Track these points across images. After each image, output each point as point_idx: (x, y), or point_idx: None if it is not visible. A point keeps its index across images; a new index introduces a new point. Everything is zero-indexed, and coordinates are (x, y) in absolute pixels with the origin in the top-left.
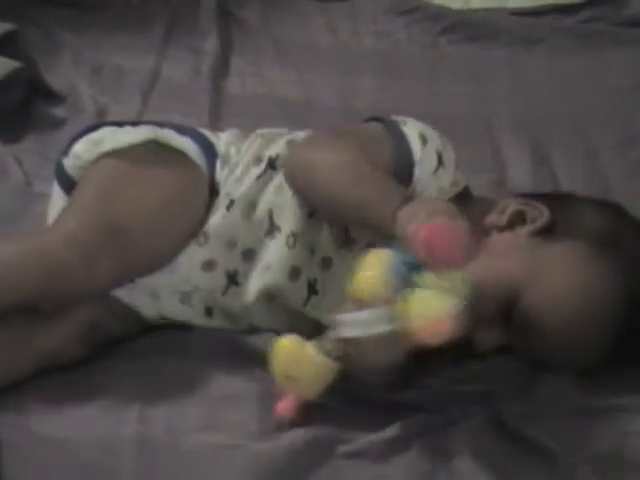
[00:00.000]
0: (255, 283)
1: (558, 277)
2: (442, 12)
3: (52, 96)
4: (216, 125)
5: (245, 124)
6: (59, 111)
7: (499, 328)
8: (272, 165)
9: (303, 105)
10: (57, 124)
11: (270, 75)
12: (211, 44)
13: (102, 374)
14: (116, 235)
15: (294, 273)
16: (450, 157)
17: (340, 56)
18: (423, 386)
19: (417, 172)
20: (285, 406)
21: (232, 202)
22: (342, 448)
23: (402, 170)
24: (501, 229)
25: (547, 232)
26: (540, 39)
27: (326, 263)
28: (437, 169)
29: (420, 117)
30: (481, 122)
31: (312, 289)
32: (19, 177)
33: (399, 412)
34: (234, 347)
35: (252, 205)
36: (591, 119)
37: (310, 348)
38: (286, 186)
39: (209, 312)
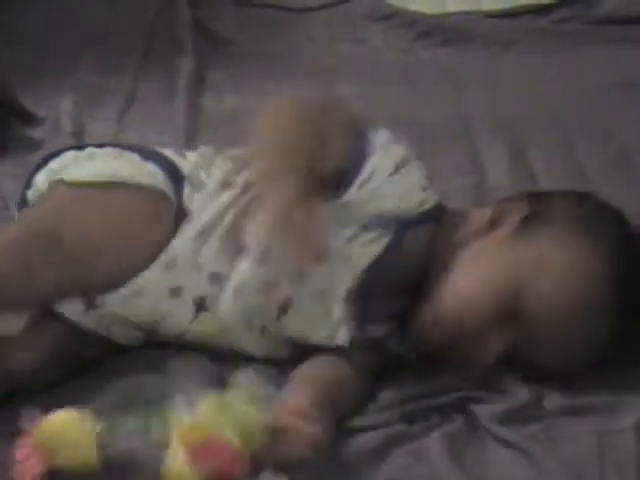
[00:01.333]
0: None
1: (553, 265)
2: (418, 17)
3: (29, 118)
4: (193, 141)
5: (223, 139)
6: (36, 132)
7: (501, 337)
8: (244, 191)
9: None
10: (34, 146)
11: (247, 88)
12: (187, 60)
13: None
14: (59, 247)
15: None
16: (416, 175)
17: (318, 64)
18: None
19: (368, 167)
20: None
21: (202, 231)
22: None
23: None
24: (478, 235)
25: (529, 226)
26: (515, 40)
27: (299, 277)
28: (392, 174)
29: (399, 122)
30: (459, 125)
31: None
32: None
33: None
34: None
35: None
36: (568, 118)
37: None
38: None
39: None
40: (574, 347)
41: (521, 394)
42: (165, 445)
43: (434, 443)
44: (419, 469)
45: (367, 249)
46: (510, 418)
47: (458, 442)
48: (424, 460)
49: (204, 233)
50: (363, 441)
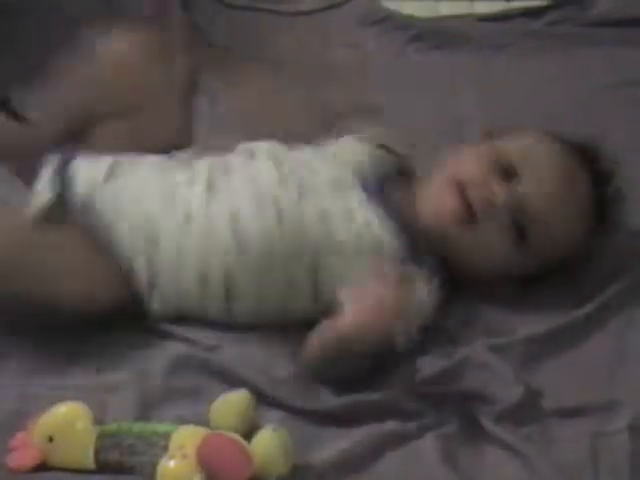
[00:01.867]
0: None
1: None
2: (410, 21)
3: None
4: (186, 144)
5: (215, 143)
6: None
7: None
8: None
9: None
10: None
11: (239, 92)
12: (179, 63)
13: None
14: None
15: None
16: None
17: (310, 70)
18: (396, 387)
19: None
20: (21, 456)
21: None
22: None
23: None
24: None
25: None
26: (508, 43)
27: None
28: None
29: (392, 126)
30: (452, 128)
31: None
32: None
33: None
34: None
35: None
36: (562, 120)
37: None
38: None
39: None
40: (562, 215)
41: (517, 393)
42: (167, 447)
43: (429, 444)
44: (412, 471)
45: None
46: (506, 418)
47: (453, 443)
48: (418, 462)
49: None
50: (358, 438)
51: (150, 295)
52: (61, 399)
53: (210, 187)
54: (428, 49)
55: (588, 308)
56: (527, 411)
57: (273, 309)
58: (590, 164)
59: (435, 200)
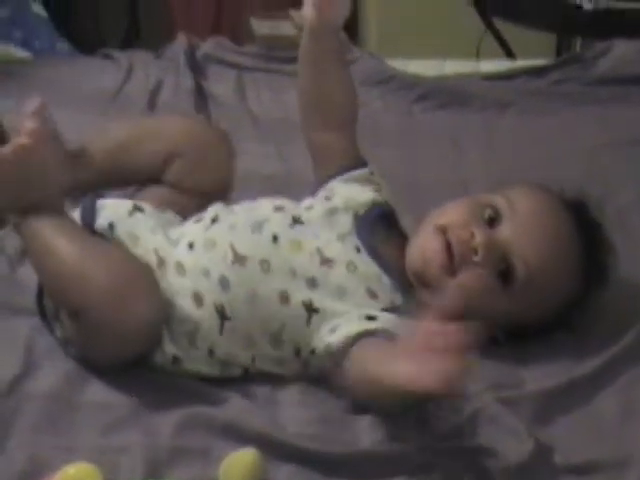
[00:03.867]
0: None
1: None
2: (416, 80)
3: None
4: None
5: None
6: None
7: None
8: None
9: (283, 179)
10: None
11: (249, 150)
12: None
13: None
14: None
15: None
16: None
17: None
18: (407, 441)
19: None
20: None
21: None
22: None
23: None
24: None
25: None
26: (512, 102)
27: (311, 283)
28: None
29: (398, 184)
30: (458, 187)
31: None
32: None
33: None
34: None
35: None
36: (567, 177)
37: None
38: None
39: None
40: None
41: (528, 448)
42: None
43: None
44: None
45: None
46: (517, 473)
47: None
48: None
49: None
50: None
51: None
52: (71, 460)
53: (213, 220)
54: (434, 108)
55: (595, 363)
56: (538, 467)
57: (266, 331)
58: (578, 212)
59: (418, 243)
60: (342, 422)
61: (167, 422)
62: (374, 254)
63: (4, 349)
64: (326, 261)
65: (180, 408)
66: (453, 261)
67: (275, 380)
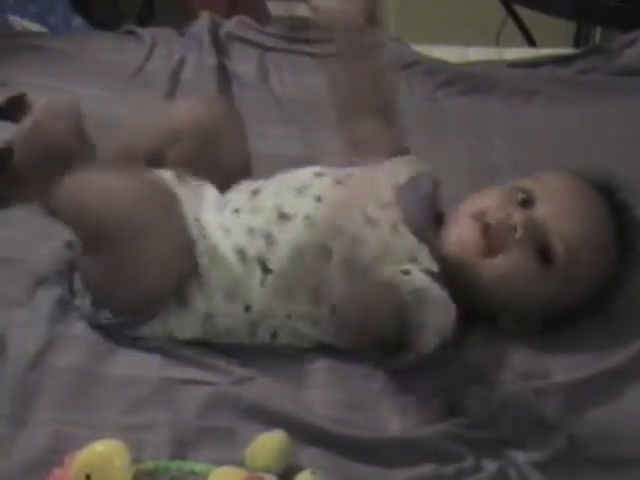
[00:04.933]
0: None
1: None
2: (440, 66)
3: None
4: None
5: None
6: None
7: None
8: None
9: (307, 161)
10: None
11: (272, 133)
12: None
13: None
14: None
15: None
16: None
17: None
18: (436, 428)
19: None
20: None
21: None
22: None
23: None
24: None
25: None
26: (537, 90)
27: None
28: None
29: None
30: (483, 174)
31: None
32: None
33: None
34: None
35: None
36: (592, 167)
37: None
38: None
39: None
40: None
41: (558, 439)
42: None
43: None
44: None
45: None
46: (546, 465)
47: None
48: None
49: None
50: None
51: (191, 283)
52: (96, 437)
53: (254, 193)
54: (458, 94)
55: (626, 354)
56: (567, 459)
57: (307, 286)
58: (609, 195)
59: (456, 232)
60: (371, 406)
61: (193, 400)
62: (412, 225)
63: (28, 321)
64: (370, 221)
65: (207, 386)
66: (490, 243)
67: (302, 360)
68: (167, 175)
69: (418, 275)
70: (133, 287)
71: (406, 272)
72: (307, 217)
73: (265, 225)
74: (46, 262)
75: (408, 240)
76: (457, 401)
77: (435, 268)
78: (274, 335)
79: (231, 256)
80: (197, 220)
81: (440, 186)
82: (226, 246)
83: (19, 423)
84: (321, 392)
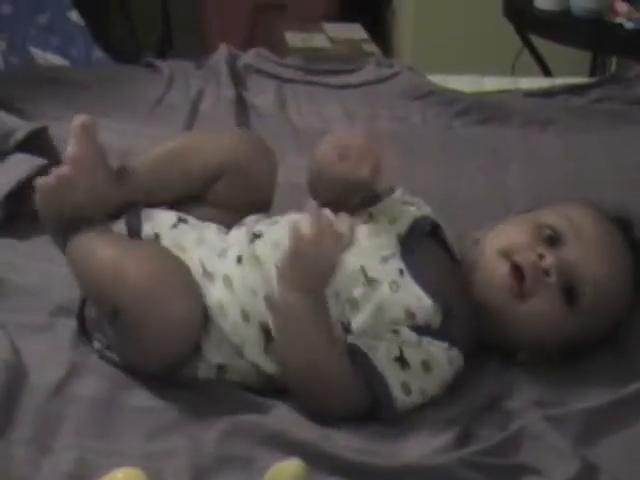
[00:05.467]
0: None
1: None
2: (456, 96)
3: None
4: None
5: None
6: None
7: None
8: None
9: None
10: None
11: (290, 162)
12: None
13: None
14: None
15: None
16: None
17: None
18: (452, 456)
19: None
20: None
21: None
22: None
23: None
24: None
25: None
26: (553, 119)
27: (353, 305)
28: None
29: (438, 199)
30: (498, 203)
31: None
32: None
33: None
34: None
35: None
36: (608, 196)
37: None
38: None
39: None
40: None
41: (573, 467)
42: None
43: None
44: None
45: None
46: None
47: None
48: None
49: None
50: None
51: (202, 331)
52: (117, 465)
53: (256, 235)
54: (474, 124)
55: None
56: None
57: None
58: (627, 231)
59: (483, 273)
60: (389, 435)
61: (212, 429)
62: (417, 276)
63: (50, 350)
64: (369, 281)
65: (225, 415)
66: (523, 285)
67: None
68: (169, 219)
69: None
70: (148, 357)
71: (396, 332)
72: None
73: (266, 286)
74: (67, 290)
75: (407, 293)
76: (472, 429)
77: (436, 324)
78: (287, 390)
79: (236, 312)
80: (203, 267)
81: (440, 228)
82: (231, 303)
83: (42, 450)
84: (339, 421)
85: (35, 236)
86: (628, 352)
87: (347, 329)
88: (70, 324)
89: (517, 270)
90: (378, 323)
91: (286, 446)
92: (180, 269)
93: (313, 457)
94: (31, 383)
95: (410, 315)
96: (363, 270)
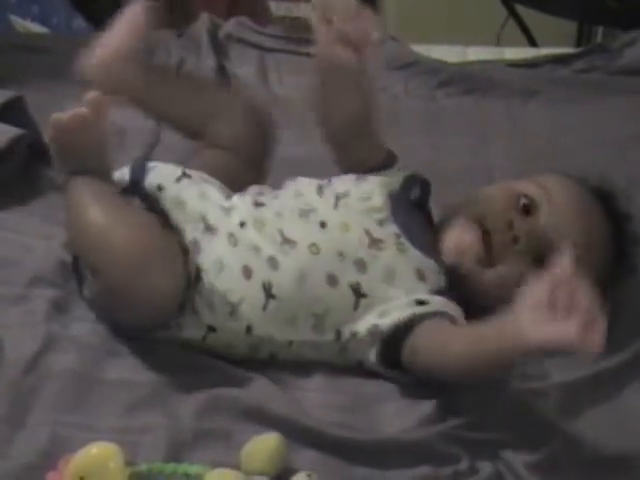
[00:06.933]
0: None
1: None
2: (439, 66)
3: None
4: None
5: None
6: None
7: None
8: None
9: (307, 162)
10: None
11: None
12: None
13: None
14: None
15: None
16: None
17: None
18: (431, 430)
19: None
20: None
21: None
22: None
23: None
24: None
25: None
26: (537, 90)
27: (360, 266)
28: None
29: (421, 170)
30: (482, 174)
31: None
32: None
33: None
34: None
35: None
36: (591, 168)
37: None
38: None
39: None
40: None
41: (554, 440)
42: None
43: None
44: None
45: None
46: (542, 466)
47: None
48: None
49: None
50: None
51: (192, 290)
52: (92, 440)
53: (258, 204)
54: (458, 94)
55: (621, 357)
56: (564, 461)
57: (311, 314)
58: (607, 202)
59: (455, 237)
60: (367, 409)
61: (190, 403)
62: (412, 238)
63: (24, 322)
64: (374, 242)
65: (203, 389)
66: (491, 251)
67: (300, 364)
68: (172, 172)
69: (434, 300)
70: (126, 320)
71: (422, 303)
72: (312, 245)
73: (269, 248)
74: (43, 263)
75: (413, 256)
76: (453, 402)
77: (442, 282)
78: (273, 356)
79: (237, 271)
80: (205, 221)
81: (429, 186)
82: (233, 259)
83: (16, 425)
84: (318, 395)
85: (10, 208)
86: (609, 325)
87: (358, 292)
88: (46, 296)
89: (487, 237)
90: (389, 287)
91: (264, 420)
92: (165, 242)
93: (291, 431)
94: (6, 357)
95: (421, 276)
96: (367, 232)
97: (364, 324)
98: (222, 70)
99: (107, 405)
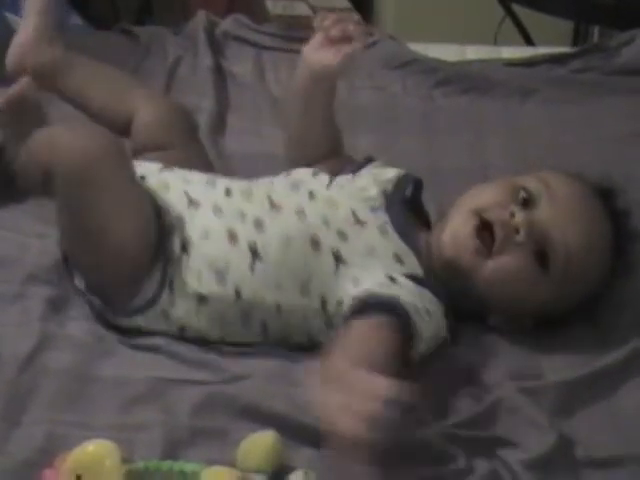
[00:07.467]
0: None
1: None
2: (437, 65)
3: None
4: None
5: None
6: None
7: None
8: None
9: None
10: None
11: (267, 133)
12: (208, 102)
13: None
14: None
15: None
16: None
17: (337, 112)
18: (428, 430)
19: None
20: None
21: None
22: None
23: None
24: None
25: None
26: (534, 89)
27: (342, 236)
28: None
29: (419, 170)
30: (478, 174)
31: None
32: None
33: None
34: None
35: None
36: (588, 167)
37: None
38: None
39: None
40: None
41: (549, 440)
42: None
43: None
44: None
45: None
46: (538, 465)
47: None
48: None
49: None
50: None
51: (179, 262)
52: (88, 437)
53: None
54: (455, 93)
55: (617, 356)
56: (558, 459)
57: (296, 276)
58: (606, 199)
59: (451, 230)
60: None
61: (186, 401)
62: (401, 232)
63: (20, 321)
64: (359, 222)
65: (200, 386)
66: (492, 243)
67: (296, 360)
68: (154, 167)
69: (403, 283)
70: (100, 247)
71: (393, 279)
72: (299, 211)
73: (257, 212)
74: (38, 261)
75: (395, 242)
76: (449, 401)
77: (420, 273)
78: (265, 327)
79: (222, 235)
80: (188, 197)
81: (422, 186)
82: (218, 225)
83: (12, 423)
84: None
85: (5, 206)
86: (604, 325)
87: (338, 257)
88: (41, 293)
89: (487, 227)
90: (368, 259)
91: (260, 418)
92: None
93: (287, 429)
94: (1, 355)
95: (398, 259)
96: (354, 213)
97: (345, 294)
98: (219, 68)
99: (103, 403)
